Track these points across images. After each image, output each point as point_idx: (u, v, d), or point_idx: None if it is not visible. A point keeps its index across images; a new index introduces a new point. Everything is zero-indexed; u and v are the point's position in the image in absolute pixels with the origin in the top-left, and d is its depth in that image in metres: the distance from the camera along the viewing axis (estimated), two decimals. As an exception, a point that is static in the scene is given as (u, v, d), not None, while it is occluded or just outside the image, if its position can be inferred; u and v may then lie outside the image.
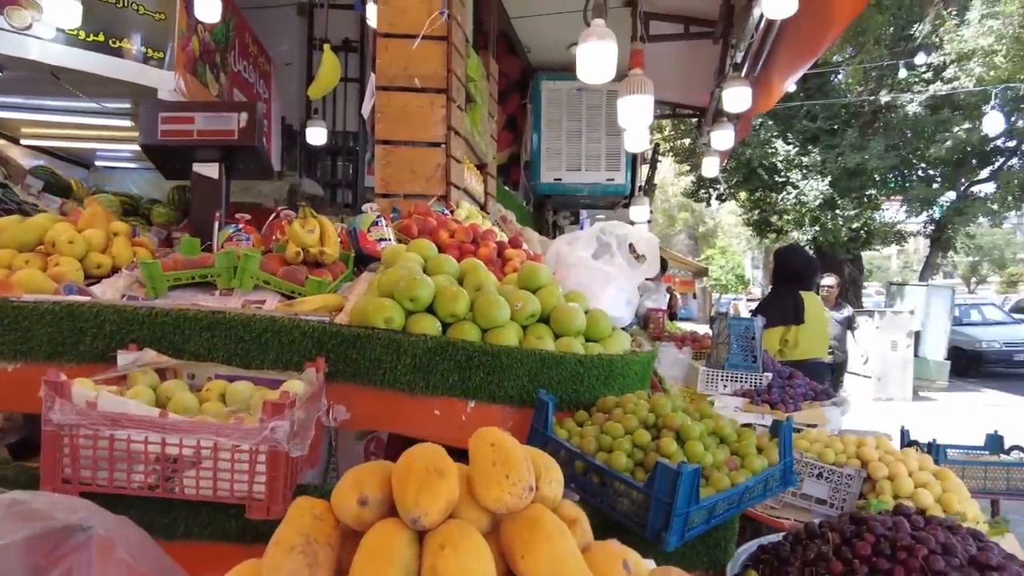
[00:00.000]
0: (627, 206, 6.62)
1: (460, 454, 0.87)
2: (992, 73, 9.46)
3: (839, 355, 6.75)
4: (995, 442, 2.82)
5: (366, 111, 3.43)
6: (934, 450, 2.62)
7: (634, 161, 7.39)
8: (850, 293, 12.62)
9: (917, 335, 10.79)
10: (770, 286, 4.44)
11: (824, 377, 4.25)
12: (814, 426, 3.01)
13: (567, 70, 6.47)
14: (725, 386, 3.37)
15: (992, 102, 9.26)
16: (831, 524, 1.23)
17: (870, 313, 10.49)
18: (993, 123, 7.51)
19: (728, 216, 24.47)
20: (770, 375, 3.34)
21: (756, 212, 13.79)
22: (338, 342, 1.43)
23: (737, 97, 3.93)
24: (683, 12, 5.05)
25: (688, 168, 14.81)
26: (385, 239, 2.04)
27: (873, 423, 8.50)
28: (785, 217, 12.29)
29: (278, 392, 1.22)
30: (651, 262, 1.89)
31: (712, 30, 4.81)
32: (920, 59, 9.19)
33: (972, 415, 9.27)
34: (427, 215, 2.46)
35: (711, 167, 6.64)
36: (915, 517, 1.25)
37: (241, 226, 2.28)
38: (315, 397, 1.35)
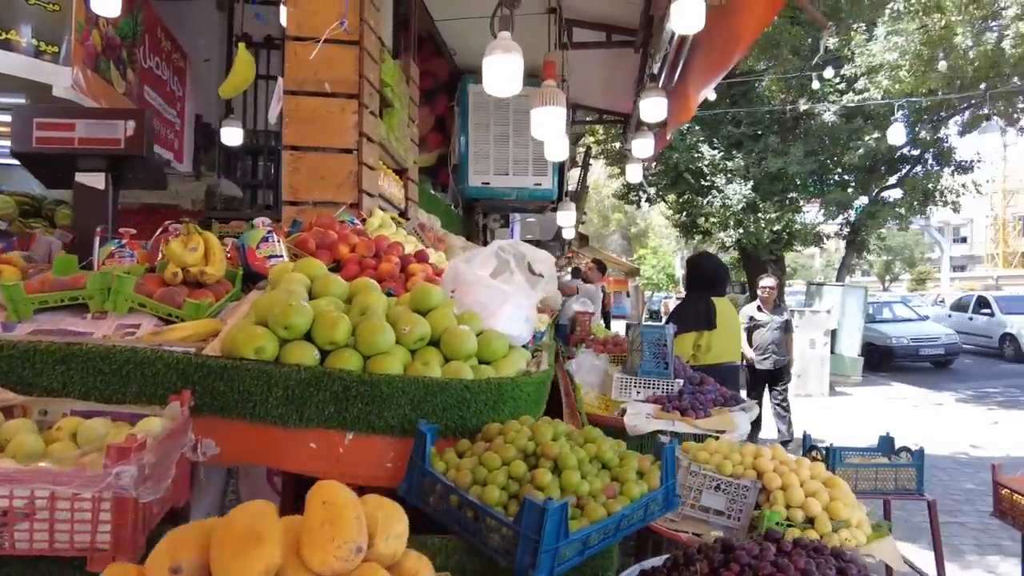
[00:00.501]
0: (555, 210, 6.65)
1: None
2: (897, 86, 10.01)
3: (779, 359, 6.79)
4: (887, 443, 2.96)
5: (273, 116, 3.30)
6: (831, 455, 2.72)
7: (561, 166, 7.45)
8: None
9: (833, 333, 11.34)
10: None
11: (738, 380, 4.39)
12: (723, 432, 3.10)
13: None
14: (639, 392, 3.42)
15: (897, 114, 9.82)
16: (705, 550, 1.24)
17: (790, 312, 10.94)
18: (896, 134, 7.98)
19: (659, 217, 25.08)
20: (681, 381, 3.41)
21: (684, 215, 14.16)
22: (204, 374, 1.35)
23: (653, 107, 3.99)
24: (605, 20, 5.11)
25: (619, 171, 15.06)
26: (276, 255, 1.95)
27: (796, 417, 8.86)
28: (711, 220, 12.67)
29: (123, 434, 1.13)
30: (548, 279, 1.88)
31: (633, 39, 4.88)
32: (829, 72, 9.63)
33: (881, 408, 9.82)
34: (329, 227, 2.37)
35: (634, 174, 6.76)
36: (784, 541, 1.28)
37: (125, 241, 2.14)
38: (177, 433, 1.27)
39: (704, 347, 4.06)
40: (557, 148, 4.06)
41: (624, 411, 3.20)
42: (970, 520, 5.01)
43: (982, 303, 16.79)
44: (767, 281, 7.02)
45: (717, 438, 3.03)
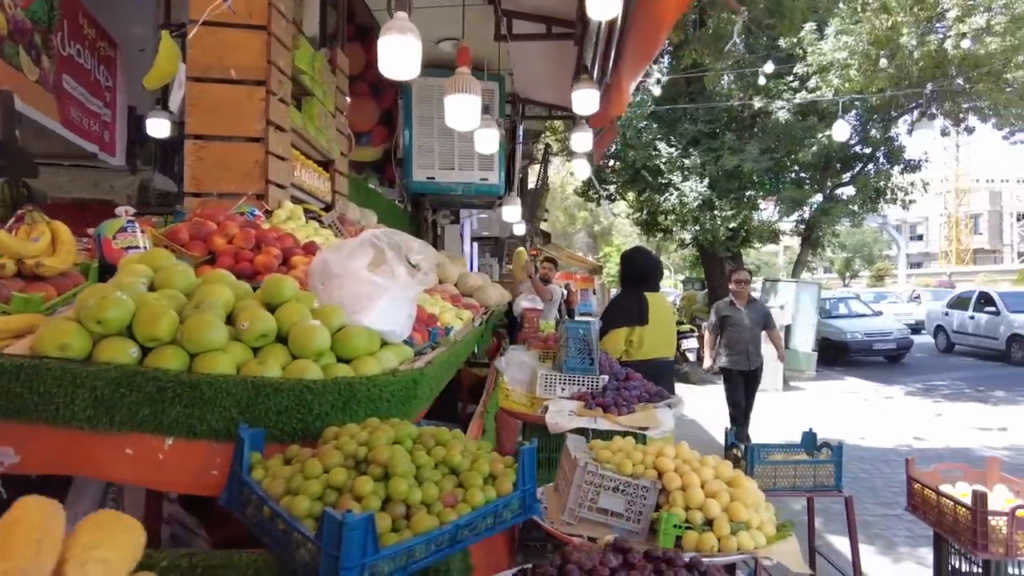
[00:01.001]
0: (500, 205, 6.54)
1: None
2: (847, 85, 10.14)
3: (754, 360, 6.19)
4: (809, 439, 2.91)
5: (175, 104, 3.12)
6: (750, 453, 2.66)
7: (509, 160, 7.35)
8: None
9: (788, 328, 11.46)
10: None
11: (672, 376, 4.33)
12: (646, 429, 3.02)
13: (438, 66, 6.33)
14: (563, 389, 3.33)
15: (849, 113, 9.96)
16: (541, 567, 1.14)
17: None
18: (840, 130, 8.07)
19: (622, 215, 25.21)
20: (607, 377, 3.33)
21: (643, 212, 14.19)
22: (-4, 375, 1.19)
23: (585, 100, 3.90)
24: (544, 12, 5.01)
25: (592, 173, 15.03)
26: (134, 247, 1.80)
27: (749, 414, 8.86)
28: (669, 217, 12.70)
29: None
30: (427, 271, 1.76)
31: (572, 31, 4.79)
32: (769, 67, 9.71)
33: (833, 403, 9.94)
34: (211, 217, 2.22)
35: (582, 169, 6.68)
36: (633, 553, 1.18)
37: (-25, 232, 1.96)
38: (-42, 443, 1.12)
39: (636, 343, 3.99)
40: (484, 139, 3.94)
41: (547, 408, 3.11)
42: (906, 512, 5.03)
43: (985, 300, 14.77)
44: (741, 274, 6.44)
45: (637, 436, 2.97)
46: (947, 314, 16.05)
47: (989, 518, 2.07)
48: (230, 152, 3.04)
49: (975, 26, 9.26)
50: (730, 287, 6.47)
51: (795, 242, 16.52)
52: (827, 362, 13.53)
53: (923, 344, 17.14)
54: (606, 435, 2.99)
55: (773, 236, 13.77)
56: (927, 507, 2.37)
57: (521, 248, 7.79)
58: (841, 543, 4.29)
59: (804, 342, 11.80)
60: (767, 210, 14.35)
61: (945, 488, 2.36)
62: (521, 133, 8.09)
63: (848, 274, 43.07)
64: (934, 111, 11.99)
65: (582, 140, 4.98)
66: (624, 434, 2.98)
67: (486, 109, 3.98)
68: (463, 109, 2.90)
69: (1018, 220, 49.58)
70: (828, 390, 11.06)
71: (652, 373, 3.98)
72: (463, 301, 3.84)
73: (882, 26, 9.95)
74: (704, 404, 9.18)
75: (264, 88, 3.05)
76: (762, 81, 10.31)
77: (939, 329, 16.61)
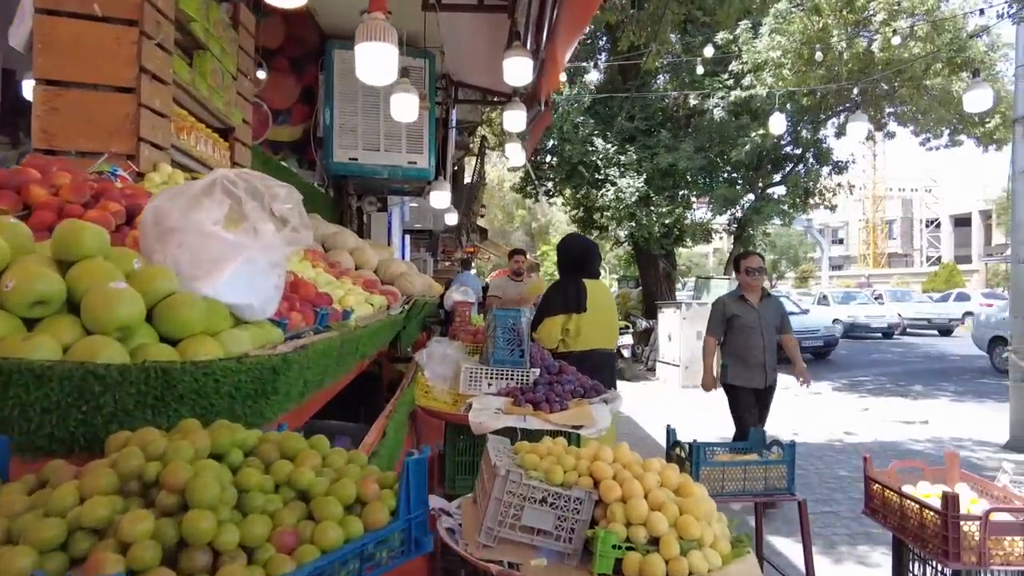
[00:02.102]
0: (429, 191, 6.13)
1: None
2: (780, 83, 10.23)
3: (771, 374, 4.80)
4: (758, 437, 2.65)
5: (16, 40, 2.58)
6: (695, 452, 2.37)
7: (442, 144, 6.94)
8: (664, 286, 13.25)
9: (721, 325, 11.50)
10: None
11: (614, 368, 4.03)
12: (580, 427, 2.70)
13: (363, 39, 5.86)
14: (490, 384, 2.96)
15: (783, 113, 10.02)
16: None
17: (678, 305, 10.98)
18: (776, 124, 8.08)
19: (559, 213, 25.14)
20: (537, 371, 2.99)
21: (580, 209, 14.04)
22: None
23: (517, 68, 3.55)
24: (476, -21, 4.62)
25: (528, 161, 14.75)
26: None
27: (683, 409, 8.80)
28: (605, 214, 12.58)
29: None
30: (297, 227, 1.36)
31: (505, 3, 4.44)
32: (709, 51, 9.69)
33: (765, 399, 10.00)
34: (42, 168, 1.74)
35: (515, 154, 6.35)
36: None
37: None
38: None
39: (573, 332, 3.68)
40: (402, 105, 3.53)
41: (470, 406, 2.73)
42: (842, 508, 4.96)
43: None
44: (753, 260, 4.72)
45: (571, 436, 2.64)
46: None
47: (961, 523, 1.83)
48: (92, 102, 2.53)
49: (899, 30, 9.50)
50: (738, 277, 4.85)
51: (725, 243, 16.74)
52: (757, 359, 13.72)
53: (846, 341, 17.77)
54: (536, 435, 2.65)
55: (706, 234, 13.87)
56: (888, 510, 2.13)
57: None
58: (784, 545, 4.11)
59: (737, 339, 11.87)
60: (700, 209, 14.47)
61: (907, 489, 2.13)
62: (455, 118, 7.68)
63: (775, 275, 44.67)
64: (861, 114, 12.32)
65: (515, 119, 4.63)
66: (555, 434, 2.65)
67: (404, 73, 3.58)
68: (376, 60, 2.49)
69: (926, 226, 52.75)
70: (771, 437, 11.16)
71: (591, 366, 3.64)
72: (380, 288, 3.43)
73: (814, 27, 10.07)
74: (640, 400, 9.04)
75: (137, 29, 2.55)
76: (700, 71, 10.27)
77: (998, 343, 13.50)
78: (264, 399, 1.21)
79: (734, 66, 11.13)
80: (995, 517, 1.86)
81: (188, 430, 0.90)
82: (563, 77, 11.43)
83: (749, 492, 2.40)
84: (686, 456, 2.43)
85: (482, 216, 17.76)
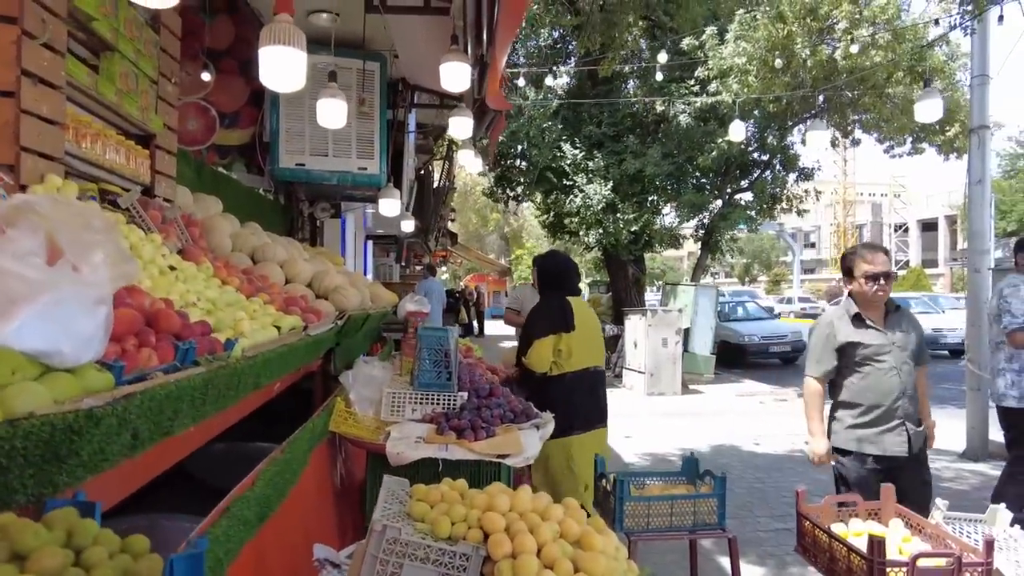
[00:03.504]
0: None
1: None
2: (746, 90, 10.23)
3: (916, 438, 3.03)
4: (691, 466, 2.52)
5: None
6: (619, 486, 2.23)
7: (395, 150, 6.75)
8: (633, 292, 13.19)
9: (687, 332, 11.47)
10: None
11: (605, 387, 3.78)
12: (506, 456, 2.55)
13: (310, 41, 5.66)
14: (414, 410, 2.79)
15: (746, 121, 10.03)
16: None
17: (643, 312, 10.92)
18: (736, 131, 8.04)
19: (532, 217, 25.09)
20: (465, 395, 2.83)
21: (550, 214, 13.95)
22: None
23: (455, 73, 3.40)
24: (419, -20, 4.47)
25: (487, 168, 14.61)
26: None
27: (645, 417, 8.72)
28: (574, 220, 12.50)
29: None
30: (118, 260, 1.18)
31: (448, 5, 4.28)
32: (663, 57, 9.65)
33: (730, 406, 9.97)
34: None
35: (469, 161, 6.19)
36: None
37: None
38: None
39: (565, 352, 3.51)
40: (328, 111, 3.35)
41: (389, 435, 2.57)
42: (797, 525, 4.86)
43: None
44: (877, 260, 3.05)
45: (499, 465, 2.49)
46: None
47: (888, 570, 1.71)
48: (-35, 108, 2.31)
49: (860, 39, 9.55)
50: (850, 286, 3.17)
51: (698, 248, 16.80)
52: (725, 364, 13.74)
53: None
54: (459, 466, 2.49)
55: (674, 240, 13.86)
56: (818, 550, 2.01)
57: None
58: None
59: (703, 345, 11.86)
60: (669, 215, 14.46)
61: (837, 528, 2.01)
62: (414, 122, 7.50)
63: (747, 278, 45.11)
64: (825, 121, 12.41)
65: (461, 125, 4.47)
66: (478, 464, 2.50)
67: (332, 77, 3.40)
68: (282, 64, 2.32)
69: (895, 231, 53.74)
70: (725, 393, 11.13)
71: (588, 385, 3.59)
72: (306, 305, 3.24)
73: (778, 34, 10.09)
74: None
75: (17, 27, 2.34)
76: (659, 76, 10.22)
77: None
78: (56, 465, 1.03)
79: (700, 72, 11.12)
80: (923, 564, 1.74)
81: None
82: (521, 82, 11.32)
83: (677, 528, 2.27)
84: (611, 489, 2.29)
85: (452, 220, 17.55)
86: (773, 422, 8.67)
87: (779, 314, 16.90)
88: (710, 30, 10.82)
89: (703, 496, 2.28)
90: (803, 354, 15.19)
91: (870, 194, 60.46)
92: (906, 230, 51.94)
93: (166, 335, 1.56)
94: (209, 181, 4.61)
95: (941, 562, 1.72)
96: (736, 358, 14.39)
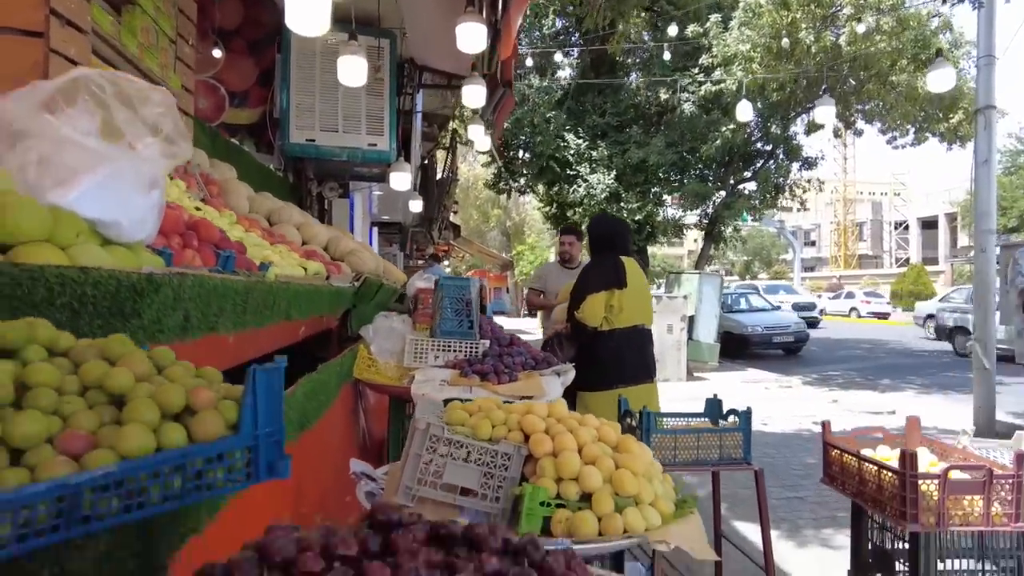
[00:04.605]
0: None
1: None
2: (750, 77, 10.24)
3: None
4: (714, 407, 2.54)
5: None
6: (644, 418, 2.24)
7: (406, 133, 6.77)
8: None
9: (691, 320, 11.48)
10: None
11: (653, 347, 3.83)
12: (529, 398, 2.56)
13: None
14: (437, 357, 2.81)
15: (752, 112, 10.03)
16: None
17: (649, 299, 10.92)
18: (743, 111, 8.05)
19: (534, 212, 25.12)
20: (487, 342, 2.85)
21: (553, 206, 13.97)
22: None
23: (471, 35, 3.41)
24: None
25: (489, 159, 14.63)
26: None
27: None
28: (577, 211, 12.51)
29: None
30: (173, 136, 1.20)
31: (464, -26, 4.29)
32: (673, 30, 9.66)
33: (734, 391, 9.98)
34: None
35: (478, 135, 6.20)
36: (400, 536, 0.68)
37: None
38: None
39: (617, 308, 3.53)
40: (349, 68, 3.35)
41: (414, 379, 2.58)
42: (809, 494, 4.90)
43: None
44: None
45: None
46: None
47: (920, 483, 1.73)
48: (-8, 47, 2.32)
49: (866, 24, 9.57)
50: None
51: (699, 245, 16.80)
52: (729, 355, 13.75)
53: (816, 338, 17.90)
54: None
55: (678, 230, 13.87)
56: (846, 475, 2.02)
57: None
58: (747, 528, 4.02)
59: (707, 333, 11.87)
60: (672, 207, 14.48)
61: (866, 453, 2.02)
62: (420, 104, 7.52)
63: (748, 276, 45.13)
64: (828, 98, 12.43)
65: (474, 93, 4.49)
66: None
67: (352, 36, 3.42)
68: (307, 6, 2.33)
69: (895, 228, 53.79)
70: (730, 380, 11.14)
71: (637, 341, 3.62)
72: (325, 260, 3.26)
73: (783, 21, 10.10)
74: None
75: (45, -32, 2.36)
76: (667, 56, 10.23)
77: (957, 332, 13.54)
78: (121, 321, 1.04)
79: (704, 60, 11.14)
80: (954, 476, 1.75)
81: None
82: (529, 62, 11.34)
83: (703, 461, 2.28)
84: (636, 425, 2.31)
85: (455, 213, 17.56)
86: (779, 406, 8.69)
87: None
88: (714, 17, 10.84)
89: (729, 430, 2.30)
90: (806, 345, 15.26)
91: (870, 192, 60.49)
92: (906, 228, 51.99)
93: (207, 243, 1.58)
94: (223, 151, 4.61)
95: (973, 475, 1.74)
96: (739, 349, 14.39)
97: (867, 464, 1.92)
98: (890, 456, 2.00)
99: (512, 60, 4.64)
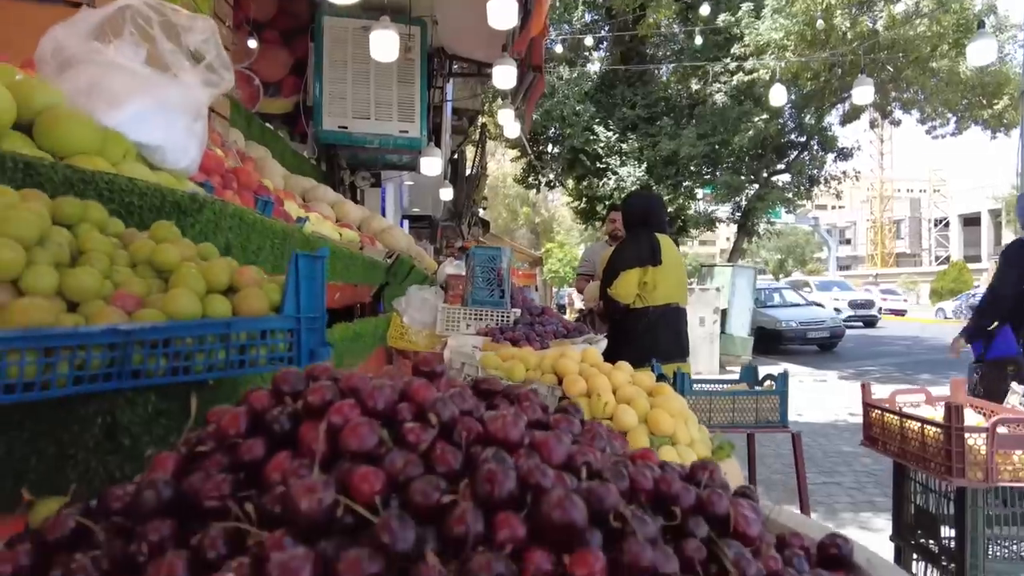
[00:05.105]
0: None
1: None
2: (783, 65, 10.07)
3: None
4: (750, 373, 2.50)
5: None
6: (678, 379, 2.22)
7: (437, 123, 6.81)
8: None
9: (724, 314, 11.32)
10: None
11: (686, 327, 3.72)
12: (561, 366, 2.55)
13: (363, 7, 5.75)
14: (468, 325, 2.83)
15: (786, 96, 9.85)
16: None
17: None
18: (777, 95, 7.87)
19: (563, 209, 25.04)
20: (519, 311, 2.85)
21: (583, 200, 13.92)
22: None
23: (502, 8, 3.42)
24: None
25: (518, 154, 14.65)
26: None
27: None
28: (607, 203, 12.44)
29: None
30: (215, 64, 1.22)
31: (494, -45, 4.30)
32: (705, 9, 9.54)
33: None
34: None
35: (508, 121, 6.20)
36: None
37: None
38: None
39: (651, 285, 3.42)
40: (381, 42, 3.38)
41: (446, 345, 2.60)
42: (846, 480, 4.80)
43: None
44: None
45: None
46: None
47: (966, 436, 1.67)
48: (39, 16, 2.40)
49: (904, 6, 9.33)
50: None
51: (730, 244, 16.56)
52: (761, 350, 13.52)
53: (852, 335, 17.50)
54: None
55: (710, 223, 13.70)
56: (887, 435, 1.97)
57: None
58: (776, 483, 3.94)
59: (740, 326, 11.70)
60: (703, 200, 14.31)
61: (909, 411, 1.97)
62: (450, 93, 7.56)
63: (781, 274, 44.40)
64: (865, 78, 12.20)
65: (505, 74, 4.49)
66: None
67: (383, 11, 3.45)
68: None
69: (935, 225, 52.32)
70: (764, 372, 10.96)
71: (671, 321, 3.45)
72: (357, 230, 3.30)
73: (816, 7, 9.92)
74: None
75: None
76: (699, 40, 10.11)
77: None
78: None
79: (736, 49, 10.98)
80: (1003, 429, 1.70)
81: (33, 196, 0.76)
82: (559, 48, 11.31)
83: (739, 424, 2.24)
84: (671, 384, 2.28)
85: (484, 208, 17.61)
86: (814, 397, 8.53)
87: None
88: (746, 6, 10.68)
89: (765, 393, 2.26)
90: (841, 341, 14.92)
91: (908, 190, 58.97)
92: (946, 225, 50.51)
93: (247, 189, 1.61)
94: (258, 135, 4.71)
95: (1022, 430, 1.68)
96: (772, 344, 14.15)
97: (909, 421, 1.87)
98: (934, 416, 1.94)
99: (542, 40, 4.63)
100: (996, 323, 3.72)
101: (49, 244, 0.63)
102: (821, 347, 14.63)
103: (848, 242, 57.14)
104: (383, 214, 7.23)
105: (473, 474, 0.39)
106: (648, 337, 3.38)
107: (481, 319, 2.82)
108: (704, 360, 10.38)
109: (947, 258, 46.36)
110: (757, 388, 2.32)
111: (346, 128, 5.73)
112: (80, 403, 0.60)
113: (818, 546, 0.56)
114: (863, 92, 6.98)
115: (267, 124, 6.15)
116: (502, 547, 0.35)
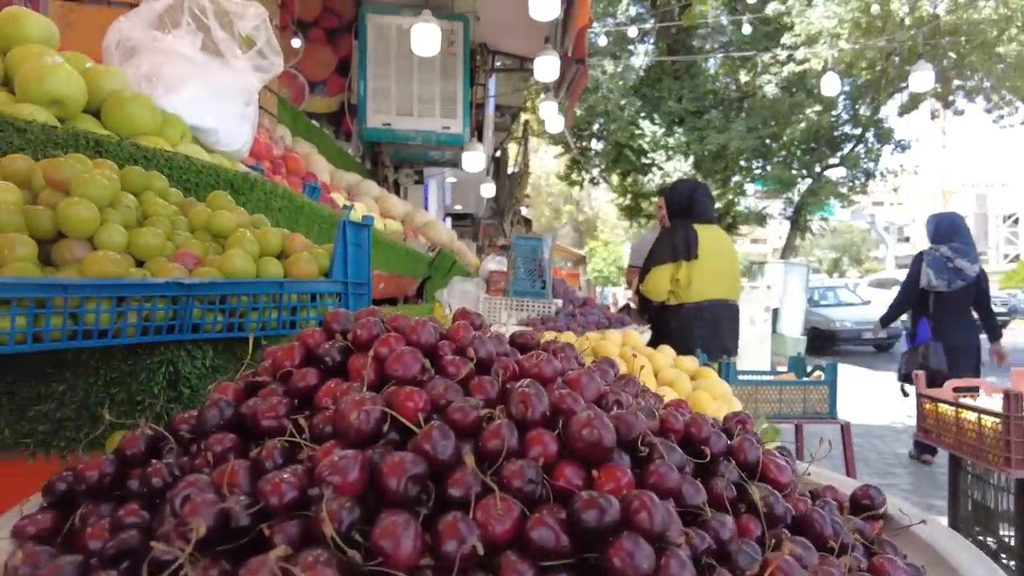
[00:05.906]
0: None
1: None
2: (836, 55, 9.77)
3: None
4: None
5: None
6: (723, 368, 2.19)
7: (479, 120, 6.86)
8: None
9: (775, 313, 11.05)
10: None
11: (737, 324, 3.37)
12: (604, 355, 2.55)
13: (397, 3, 5.84)
14: (509, 315, 2.85)
15: (839, 86, 9.55)
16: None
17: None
18: (830, 84, 7.58)
19: (607, 206, 24.85)
20: (560, 302, 2.86)
21: (627, 197, 13.80)
22: None
23: (543, 1, 3.43)
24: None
25: (561, 151, 14.63)
26: None
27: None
28: (652, 199, 12.31)
29: None
30: (265, 50, 1.27)
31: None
32: (747, 29, 9.30)
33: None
34: None
35: (551, 116, 6.20)
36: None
37: None
38: None
39: (684, 281, 3.23)
40: (422, 37, 3.44)
41: (488, 334, 2.63)
42: (901, 482, 4.64)
43: None
44: None
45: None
46: None
47: (1027, 424, 1.61)
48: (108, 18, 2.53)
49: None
50: None
51: (783, 242, 16.14)
52: (814, 351, 13.14)
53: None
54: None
55: (760, 220, 13.40)
56: (942, 427, 1.91)
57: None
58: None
59: (792, 326, 11.40)
60: (753, 196, 14.00)
61: (965, 402, 1.90)
62: (493, 89, 7.61)
63: (836, 273, 43.01)
64: (925, 63, 11.73)
65: (547, 65, 4.50)
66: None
67: (426, 3, 3.50)
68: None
69: (1003, 221, 49.83)
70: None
71: (710, 318, 3.17)
72: (401, 222, 3.36)
73: (872, -6, 9.58)
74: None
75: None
76: (747, 30, 9.89)
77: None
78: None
79: (786, 39, 10.70)
80: (1068, 419, 1.62)
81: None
82: (603, 41, 11.23)
83: (786, 415, 2.20)
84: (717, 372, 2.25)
85: (527, 206, 17.62)
86: (869, 399, 8.26)
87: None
88: (796, -6, 10.41)
89: (813, 383, 2.21)
90: (898, 341, 14.35)
91: (972, 184, 56.39)
92: (1015, 221, 48.02)
93: (295, 175, 1.67)
94: (304, 131, 4.84)
95: (1090, 418, 1.60)
96: (826, 344, 13.73)
97: (965, 412, 1.80)
98: (990, 406, 1.87)
99: (586, 33, 4.61)
100: None
101: (119, 207, 0.68)
102: (877, 348, 14.14)
103: (907, 240, 54.92)
104: (428, 212, 7.32)
105: (508, 399, 0.41)
106: (683, 335, 3.16)
107: (523, 310, 2.85)
108: (754, 361, 10.15)
109: (1016, 256, 44.05)
110: (805, 379, 2.27)
111: (390, 125, 5.84)
112: (146, 352, 0.64)
113: (851, 497, 0.56)
114: (923, 79, 6.65)
115: (313, 121, 6.33)
116: (535, 461, 0.37)
